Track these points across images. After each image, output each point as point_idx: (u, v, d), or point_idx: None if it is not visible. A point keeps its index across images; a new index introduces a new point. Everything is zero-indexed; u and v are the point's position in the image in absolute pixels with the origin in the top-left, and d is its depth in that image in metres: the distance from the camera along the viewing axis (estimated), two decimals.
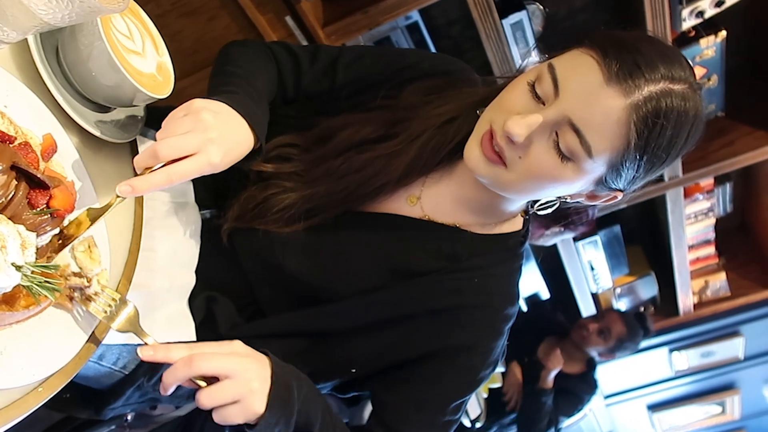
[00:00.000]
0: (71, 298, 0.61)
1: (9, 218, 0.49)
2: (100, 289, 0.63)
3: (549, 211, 0.87)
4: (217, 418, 0.69)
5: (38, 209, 0.53)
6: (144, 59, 0.78)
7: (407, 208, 0.92)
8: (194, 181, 0.96)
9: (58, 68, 0.74)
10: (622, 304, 2.68)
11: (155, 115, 0.89)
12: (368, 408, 2.04)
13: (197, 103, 0.73)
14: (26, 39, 0.69)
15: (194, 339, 0.87)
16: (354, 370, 0.89)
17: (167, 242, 0.88)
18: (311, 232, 0.91)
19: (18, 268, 0.47)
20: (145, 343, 0.68)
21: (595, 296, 2.66)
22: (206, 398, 0.68)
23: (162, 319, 0.84)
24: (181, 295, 0.89)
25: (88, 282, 0.61)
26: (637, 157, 0.72)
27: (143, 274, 0.80)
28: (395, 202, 0.92)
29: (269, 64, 0.95)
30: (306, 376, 0.79)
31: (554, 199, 0.85)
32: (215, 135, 0.71)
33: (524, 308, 2.75)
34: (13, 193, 0.50)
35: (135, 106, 0.80)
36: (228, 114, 0.76)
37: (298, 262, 0.90)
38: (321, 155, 0.91)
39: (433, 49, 1.90)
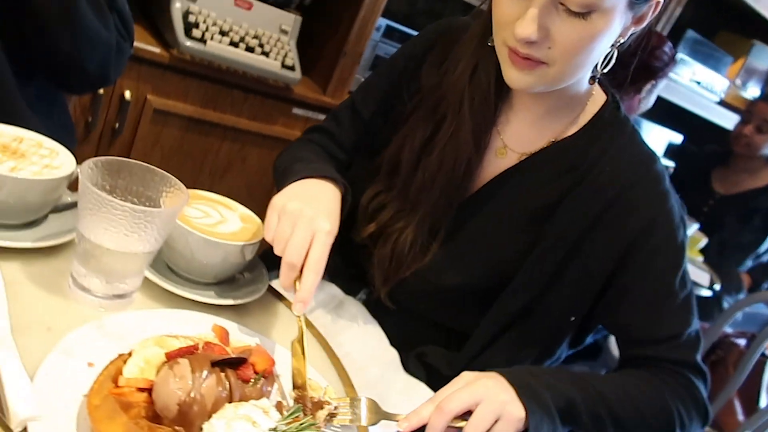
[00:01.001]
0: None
1: (240, 401, 0.55)
2: (336, 401, 0.68)
3: (611, 64, 0.84)
4: None
5: (252, 381, 0.59)
6: (228, 222, 0.85)
7: (503, 162, 0.92)
8: (330, 279, 1.01)
9: (177, 277, 0.82)
10: (753, 90, 2.47)
11: (268, 257, 0.98)
12: (612, 344, 1.98)
13: (277, 201, 0.80)
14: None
15: (432, 393, 0.90)
16: (573, 318, 0.89)
17: (353, 339, 0.92)
18: (446, 244, 0.93)
19: (275, 430, 0.53)
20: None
21: (723, 103, 2.46)
22: (473, 430, 0.70)
23: (398, 400, 0.87)
24: (396, 371, 0.93)
25: (329, 404, 0.66)
26: None
27: (357, 376, 0.84)
28: (489, 166, 0.93)
29: (306, 144, 1.04)
30: (535, 368, 0.80)
31: (608, 50, 0.82)
32: (310, 211, 0.77)
33: (672, 164, 2.58)
34: (228, 383, 0.56)
35: (249, 260, 0.87)
36: (301, 188, 0.84)
37: (454, 276, 0.92)
38: (403, 183, 0.93)
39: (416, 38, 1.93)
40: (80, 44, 0.96)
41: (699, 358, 0.88)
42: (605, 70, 0.85)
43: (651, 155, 0.90)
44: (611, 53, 0.83)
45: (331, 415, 0.67)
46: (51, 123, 1.01)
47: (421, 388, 0.91)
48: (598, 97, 0.91)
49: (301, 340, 0.72)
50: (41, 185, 0.74)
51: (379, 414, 0.71)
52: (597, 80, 0.89)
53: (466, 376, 0.75)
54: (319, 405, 0.66)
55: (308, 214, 0.77)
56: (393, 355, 0.94)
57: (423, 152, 0.91)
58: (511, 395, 0.72)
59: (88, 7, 0.94)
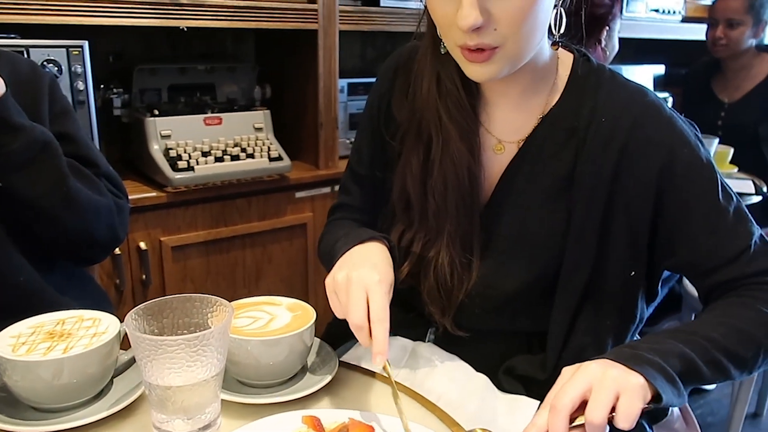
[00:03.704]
0: None
1: None
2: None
3: (563, 25, 0.85)
4: (627, 424, 0.65)
5: None
6: (278, 318, 0.86)
7: (505, 157, 0.92)
8: (395, 331, 1.00)
9: (251, 388, 0.82)
10: None
11: (329, 335, 0.99)
12: (690, 288, 1.91)
13: (328, 281, 0.84)
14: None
15: (538, 402, 0.87)
16: (633, 273, 0.87)
17: (439, 381, 0.90)
18: (486, 255, 0.92)
19: None
20: None
21: (687, 19, 2.46)
22: (595, 415, 0.64)
23: (505, 422, 0.85)
24: (493, 395, 0.90)
25: None
26: None
27: (457, 414, 0.81)
28: (494, 166, 0.93)
29: (335, 223, 1.07)
30: (632, 342, 0.78)
31: (554, 11, 0.82)
32: (356, 273, 0.81)
33: (668, 95, 2.55)
34: None
35: (311, 345, 0.87)
36: (344, 260, 0.87)
37: (505, 282, 0.91)
38: (419, 213, 0.94)
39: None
40: (84, 219, 1.00)
41: None
42: (561, 31, 0.85)
43: (640, 89, 0.89)
44: (559, 14, 0.83)
45: None
46: (86, 299, 1.04)
47: (524, 402, 0.88)
48: (566, 59, 0.92)
49: (394, 392, 0.73)
50: (95, 354, 0.75)
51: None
52: (559, 44, 0.90)
53: (566, 371, 0.71)
54: None
55: (355, 275, 0.80)
56: (483, 380, 0.92)
57: (425, 177, 0.92)
58: (621, 369, 0.67)
59: (79, 183, 0.98)
